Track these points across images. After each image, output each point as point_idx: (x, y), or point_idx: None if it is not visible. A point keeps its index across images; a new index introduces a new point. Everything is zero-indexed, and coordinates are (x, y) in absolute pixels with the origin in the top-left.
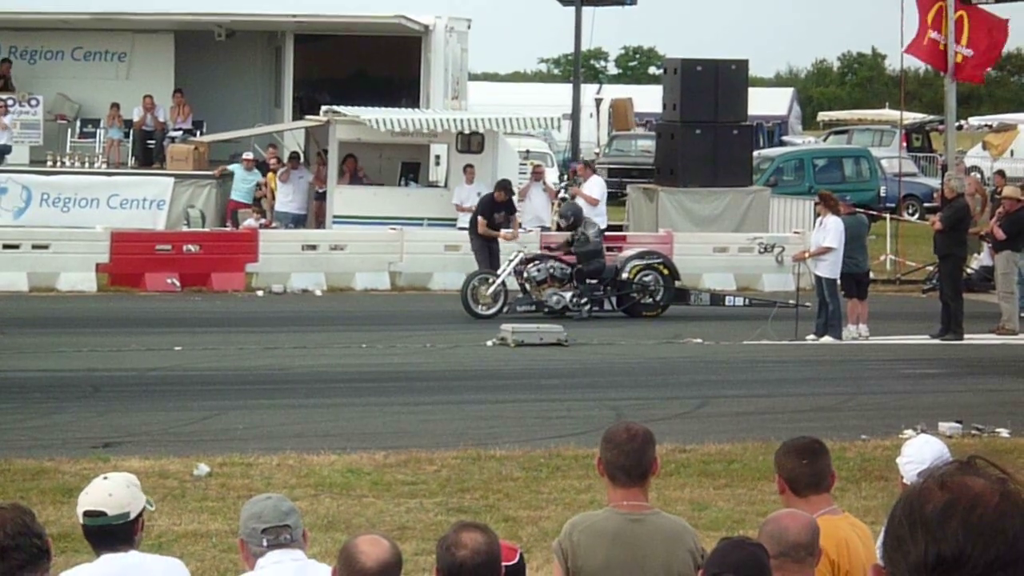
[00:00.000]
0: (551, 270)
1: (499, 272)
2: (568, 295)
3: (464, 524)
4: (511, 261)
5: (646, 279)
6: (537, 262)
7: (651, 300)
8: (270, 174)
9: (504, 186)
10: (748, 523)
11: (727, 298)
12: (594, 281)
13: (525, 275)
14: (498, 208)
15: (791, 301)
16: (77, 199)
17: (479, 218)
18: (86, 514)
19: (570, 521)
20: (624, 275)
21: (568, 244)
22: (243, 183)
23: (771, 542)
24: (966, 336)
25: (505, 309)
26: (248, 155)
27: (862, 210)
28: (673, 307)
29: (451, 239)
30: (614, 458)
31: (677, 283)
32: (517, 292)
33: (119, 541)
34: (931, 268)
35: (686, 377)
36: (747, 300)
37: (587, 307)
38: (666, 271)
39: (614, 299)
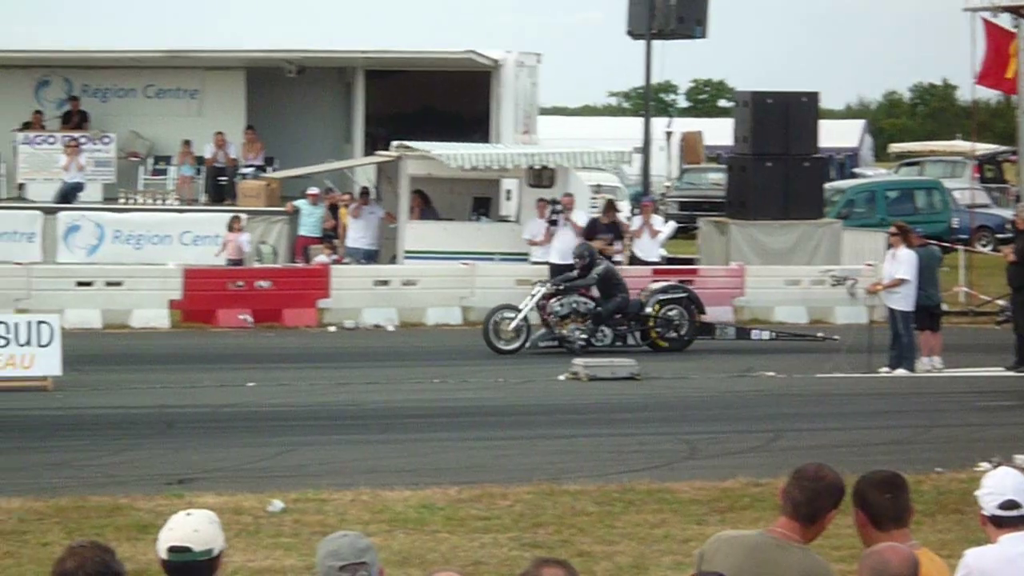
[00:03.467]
0: (574, 305)
1: (521, 307)
2: (590, 331)
3: (544, 560)
4: (533, 296)
5: (670, 313)
6: (560, 297)
7: (675, 334)
8: (342, 209)
9: (609, 207)
10: (823, 555)
11: (752, 331)
12: (618, 316)
13: (548, 310)
14: (603, 231)
15: (820, 334)
16: (150, 236)
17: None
18: (171, 550)
19: (717, 534)
20: (648, 309)
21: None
22: (309, 217)
23: (872, 575)
24: None
25: (527, 345)
26: (313, 190)
27: (934, 242)
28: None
29: (522, 273)
30: (790, 488)
31: (702, 317)
32: (538, 327)
33: None
34: (1001, 302)
35: (759, 410)
36: (773, 333)
37: (609, 342)
38: (691, 305)
39: (637, 334)
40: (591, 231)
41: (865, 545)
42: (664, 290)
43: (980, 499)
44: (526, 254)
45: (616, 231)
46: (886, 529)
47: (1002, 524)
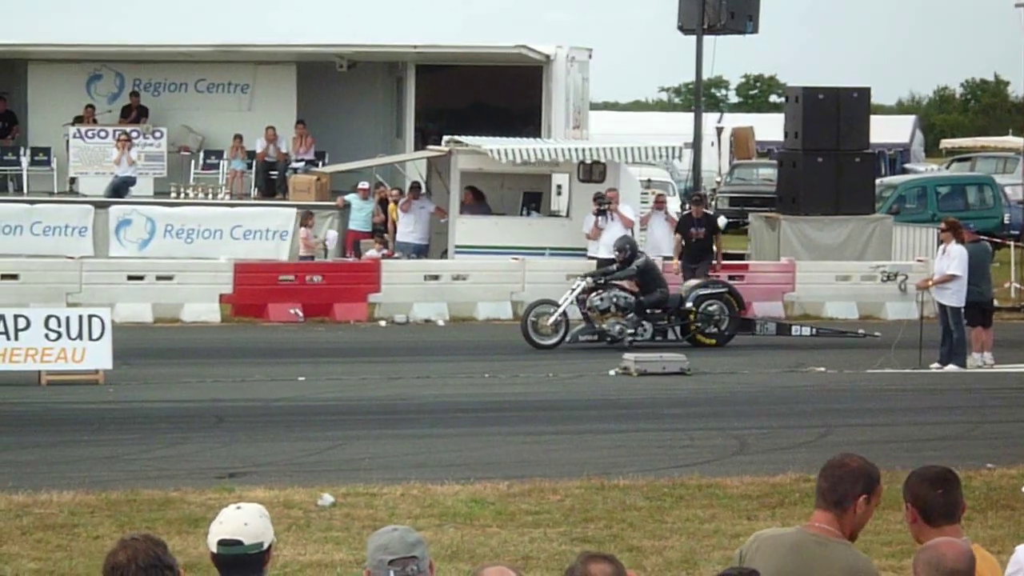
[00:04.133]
0: (614, 299)
1: (560, 302)
2: (630, 325)
3: (591, 555)
4: (573, 291)
5: (711, 308)
6: (600, 291)
7: (716, 329)
8: (391, 204)
9: (698, 200)
10: (874, 552)
11: (793, 327)
12: (658, 311)
13: (588, 304)
14: (695, 224)
15: (861, 331)
16: (200, 230)
17: (676, 236)
18: (221, 543)
19: (756, 532)
20: (688, 304)
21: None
22: (360, 212)
23: (928, 570)
24: None
25: (567, 339)
26: (364, 184)
27: (986, 238)
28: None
29: (572, 268)
30: (819, 479)
31: (742, 312)
32: (579, 321)
33: (251, 571)
34: None
35: (809, 406)
36: (814, 330)
37: (649, 336)
38: (731, 300)
39: (677, 328)
40: (684, 225)
41: (917, 541)
42: (704, 285)
43: None
44: (577, 249)
45: (711, 225)
46: (937, 525)
47: None
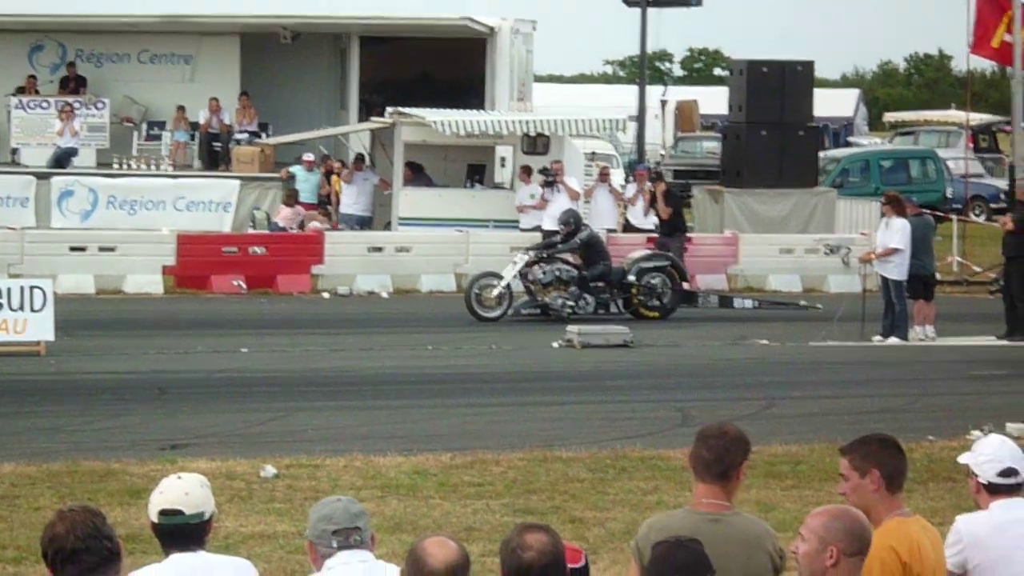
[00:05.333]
0: (557, 272)
1: (504, 274)
2: (573, 298)
3: (527, 526)
4: (516, 264)
5: (653, 281)
6: (543, 264)
7: (658, 302)
8: (334, 176)
9: (657, 176)
10: None
11: (736, 300)
12: (600, 284)
13: (530, 277)
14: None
15: (803, 303)
16: (143, 202)
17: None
18: (162, 513)
19: (647, 521)
20: (631, 277)
21: (562, 241)
22: (305, 184)
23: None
24: None
25: (509, 312)
26: (308, 156)
27: (928, 211)
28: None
29: (516, 240)
30: (698, 451)
31: (685, 285)
32: (522, 294)
33: (191, 541)
34: (990, 272)
35: (752, 378)
36: (757, 302)
37: (591, 310)
38: (674, 273)
39: (620, 301)
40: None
41: (864, 509)
42: (647, 258)
43: (977, 466)
44: (516, 221)
45: (673, 198)
46: (895, 493)
47: (997, 491)
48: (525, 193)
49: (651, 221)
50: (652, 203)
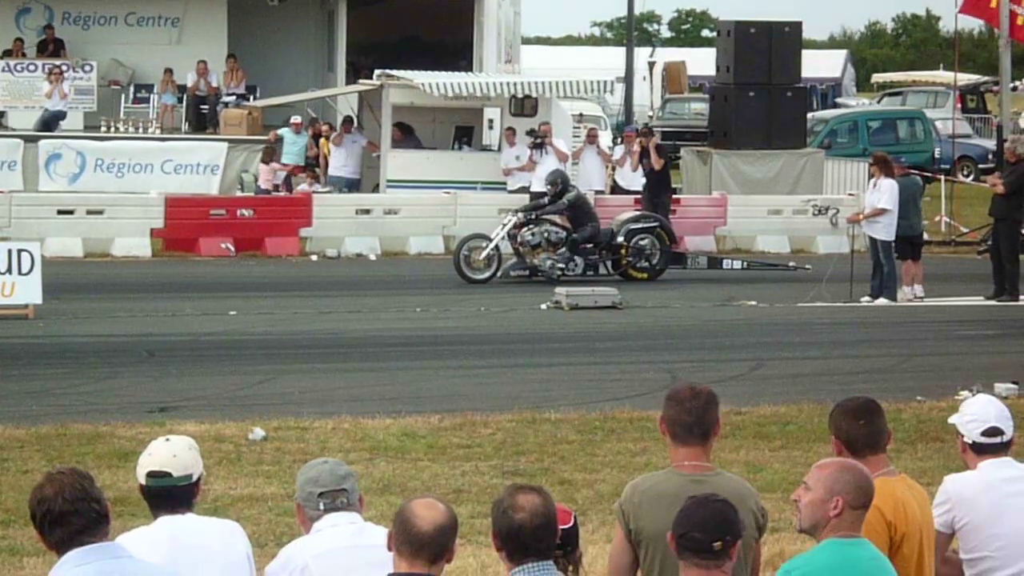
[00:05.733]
0: (545, 234)
1: (493, 236)
2: (561, 260)
3: (519, 487)
4: (505, 225)
5: (642, 242)
6: (531, 226)
7: (647, 264)
8: (323, 139)
9: (647, 132)
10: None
11: (724, 261)
12: (589, 245)
13: (519, 239)
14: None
15: (792, 264)
16: (131, 164)
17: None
18: (150, 475)
19: (631, 483)
20: (619, 239)
21: (550, 202)
22: (292, 146)
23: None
24: (1022, 297)
25: (498, 274)
26: (296, 118)
27: (916, 172)
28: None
29: (504, 202)
30: (676, 415)
31: (673, 246)
32: (511, 256)
33: (180, 503)
34: (973, 232)
35: (740, 339)
36: (745, 263)
37: (580, 271)
38: (663, 234)
39: (609, 263)
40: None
41: None
42: (635, 219)
43: (962, 426)
44: (504, 183)
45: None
46: (861, 455)
47: (983, 451)
48: (511, 155)
49: (639, 182)
50: (642, 158)
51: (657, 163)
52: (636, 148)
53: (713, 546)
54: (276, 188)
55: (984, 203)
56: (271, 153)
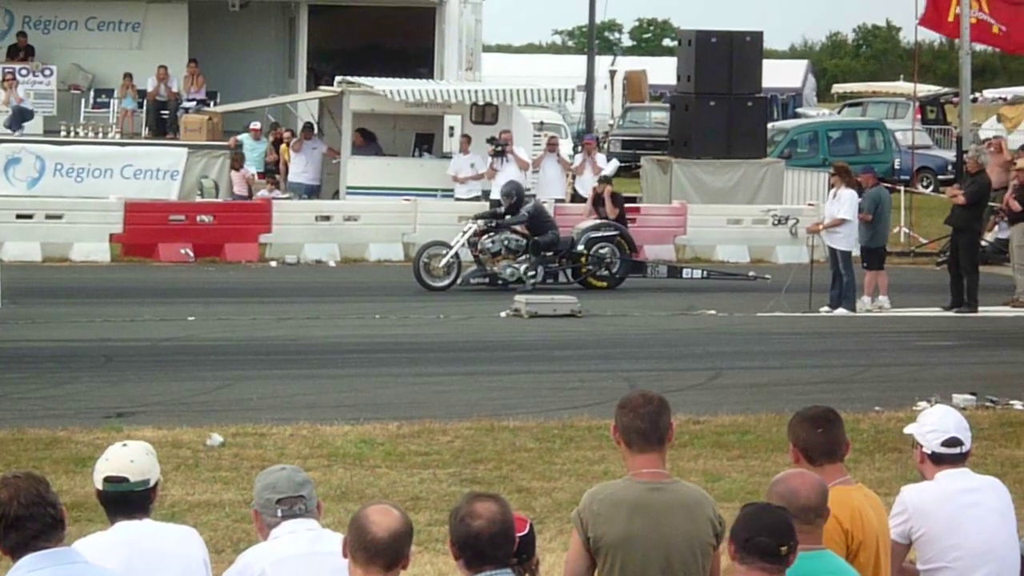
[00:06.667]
0: (505, 242)
1: (453, 244)
2: (522, 267)
3: (477, 495)
4: (465, 233)
5: (602, 251)
6: (491, 234)
7: (607, 272)
8: (283, 145)
9: (606, 179)
10: (762, 494)
11: (684, 270)
12: (549, 253)
13: (479, 247)
14: (602, 203)
15: (752, 274)
16: (91, 169)
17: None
18: (107, 480)
19: (589, 491)
20: (580, 247)
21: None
22: (252, 152)
23: (780, 503)
24: (980, 308)
25: (458, 281)
26: (256, 124)
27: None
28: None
29: (465, 210)
30: (630, 422)
31: (633, 255)
32: (471, 263)
33: (137, 509)
34: (933, 243)
35: (699, 349)
36: (705, 272)
37: (540, 279)
38: (623, 243)
39: (569, 271)
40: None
41: None
42: (595, 228)
43: (921, 436)
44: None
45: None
46: (819, 464)
47: (942, 461)
48: (464, 162)
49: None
50: (597, 204)
51: (612, 212)
52: (591, 194)
53: (780, 550)
54: (249, 194)
55: (943, 214)
56: (241, 159)
